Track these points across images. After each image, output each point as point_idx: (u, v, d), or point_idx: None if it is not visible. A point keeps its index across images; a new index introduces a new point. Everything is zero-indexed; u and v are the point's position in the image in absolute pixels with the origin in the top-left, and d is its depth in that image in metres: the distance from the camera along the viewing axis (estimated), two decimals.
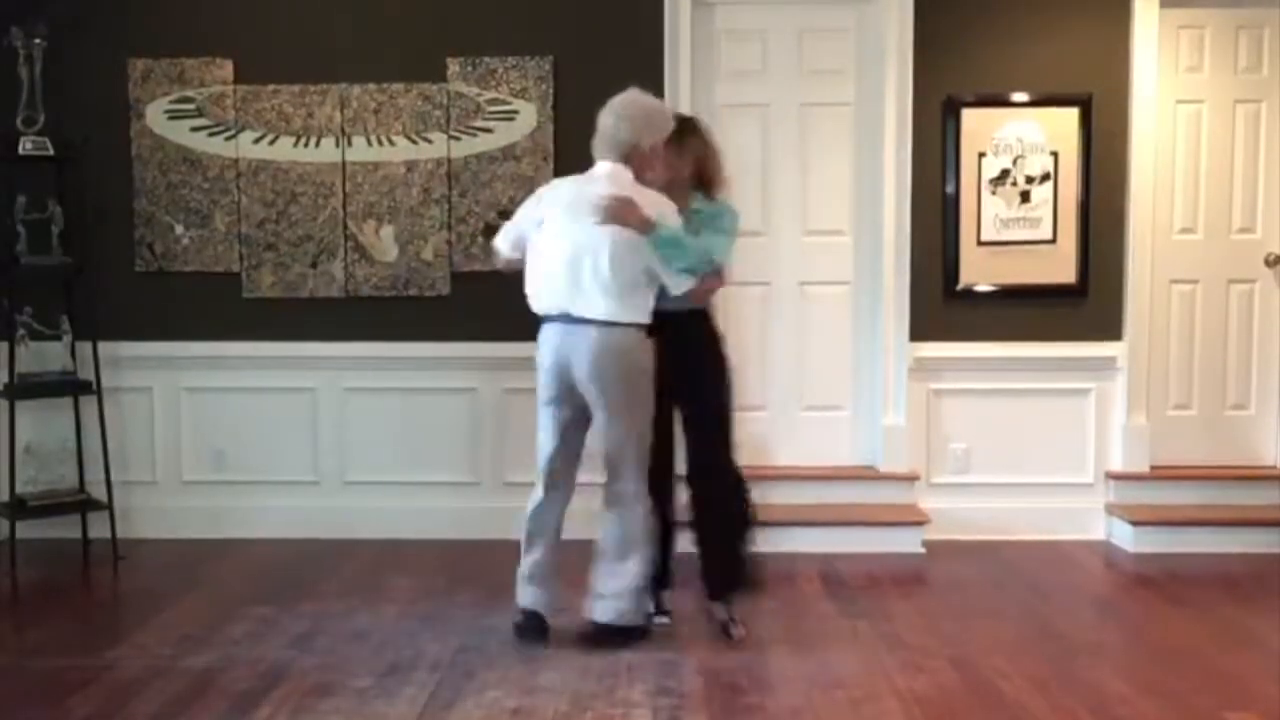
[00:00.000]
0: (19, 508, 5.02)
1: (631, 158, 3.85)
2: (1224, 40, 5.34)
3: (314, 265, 5.34)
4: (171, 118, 5.30)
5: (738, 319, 5.14)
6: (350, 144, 5.30)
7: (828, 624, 4.17)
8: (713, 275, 3.92)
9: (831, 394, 5.45)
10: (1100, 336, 5.36)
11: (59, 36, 5.04)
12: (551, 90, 5.24)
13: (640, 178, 3.85)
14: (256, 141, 5.31)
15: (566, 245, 3.79)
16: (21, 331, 5.03)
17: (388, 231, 5.31)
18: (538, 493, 3.97)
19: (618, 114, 3.90)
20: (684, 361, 3.92)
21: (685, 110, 5.19)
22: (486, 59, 5.26)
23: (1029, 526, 5.30)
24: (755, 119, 5.35)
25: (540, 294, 3.89)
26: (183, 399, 5.41)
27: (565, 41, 5.24)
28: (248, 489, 5.38)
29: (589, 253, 3.75)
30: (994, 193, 5.31)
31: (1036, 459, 5.36)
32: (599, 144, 3.92)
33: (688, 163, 3.97)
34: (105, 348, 5.16)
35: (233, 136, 5.31)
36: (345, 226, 5.33)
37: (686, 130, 4.01)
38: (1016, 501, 5.34)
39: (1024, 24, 5.27)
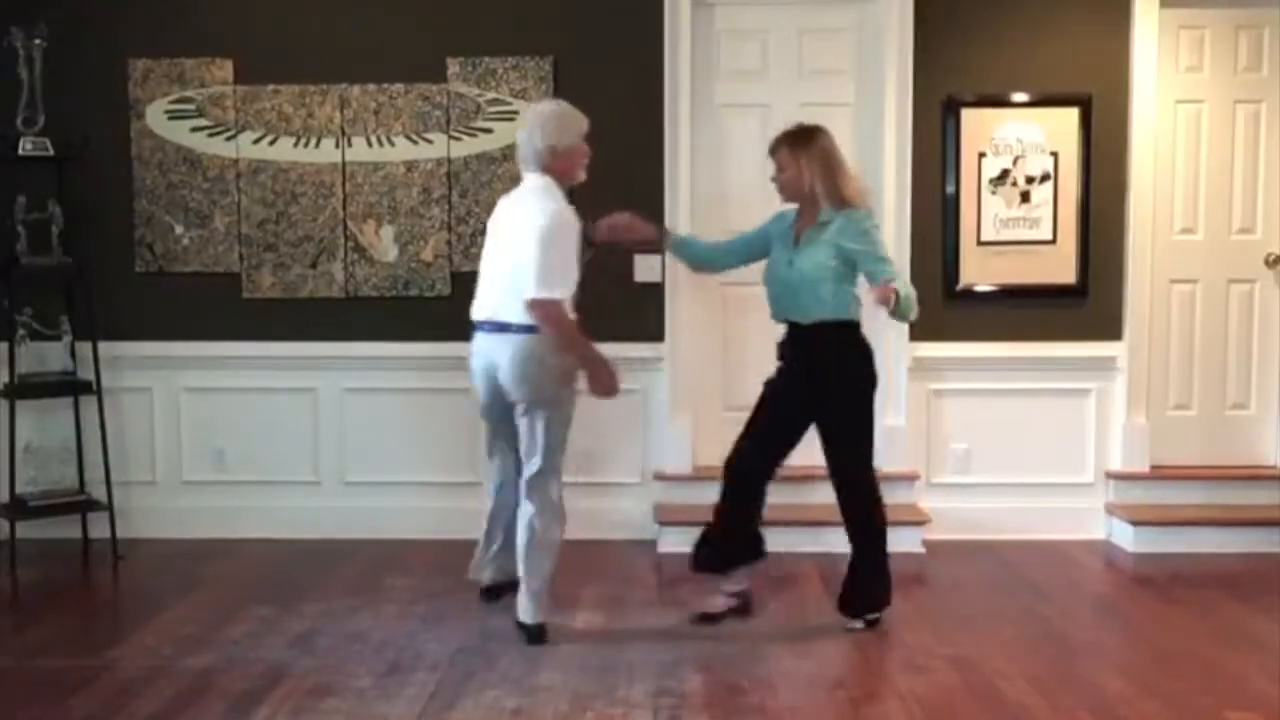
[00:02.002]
0: (19, 508, 5.03)
1: (551, 164, 3.93)
2: (1224, 40, 5.35)
3: (314, 265, 5.34)
4: (171, 118, 5.30)
5: (738, 319, 5.14)
6: (350, 144, 5.30)
7: (828, 624, 4.17)
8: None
9: None
10: (1100, 336, 5.36)
11: (59, 36, 5.05)
12: (551, 90, 5.24)
13: (569, 178, 3.97)
14: (256, 142, 5.31)
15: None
16: (21, 331, 5.03)
17: (388, 231, 5.32)
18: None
19: (529, 124, 3.99)
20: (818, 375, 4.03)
21: (685, 110, 5.23)
22: (486, 59, 5.26)
23: (1029, 526, 5.31)
24: (755, 119, 5.34)
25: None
26: (183, 399, 5.41)
27: (565, 41, 5.25)
28: (248, 489, 5.39)
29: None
30: (994, 193, 5.31)
31: (1036, 459, 5.36)
32: (521, 162, 4.03)
33: (803, 172, 3.97)
34: (105, 348, 5.16)
35: (233, 137, 5.31)
36: (345, 227, 5.33)
37: (800, 140, 4.01)
38: (1016, 501, 5.35)
39: (1024, 24, 5.27)
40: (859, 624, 4.10)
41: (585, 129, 3.99)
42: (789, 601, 4.39)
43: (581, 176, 4.03)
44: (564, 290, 3.80)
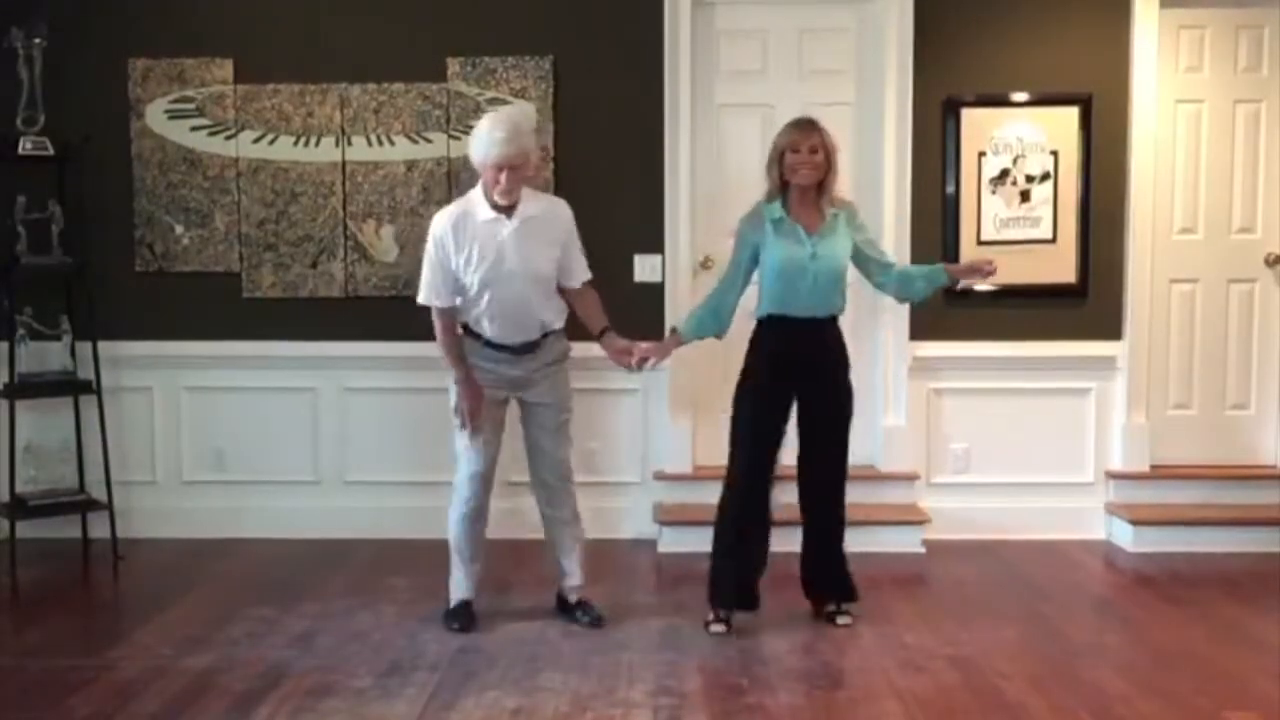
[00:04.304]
0: (19, 508, 5.02)
1: (480, 174, 4.03)
2: (1224, 40, 5.34)
3: (314, 265, 5.34)
4: (171, 118, 5.30)
5: (737, 320, 5.13)
6: (350, 144, 5.30)
7: (828, 624, 4.17)
8: None
9: None
10: (1100, 336, 5.36)
11: (59, 36, 5.04)
12: (551, 90, 5.24)
13: (489, 193, 3.99)
14: (256, 141, 5.31)
15: None
16: (21, 331, 5.03)
17: (388, 231, 5.32)
18: None
19: None
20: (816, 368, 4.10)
21: (685, 110, 5.23)
22: (486, 59, 5.26)
23: (1029, 526, 5.31)
24: (755, 119, 5.34)
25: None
26: (183, 399, 5.41)
27: (565, 41, 5.25)
28: (248, 489, 5.39)
29: None
30: (994, 192, 5.31)
31: (1036, 459, 5.36)
32: None
33: (831, 159, 4.02)
34: (105, 348, 5.16)
35: (233, 136, 5.31)
36: (345, 226, 5.33)
37: (822, 128, 4.03)
38: (1016, 501, 5.35)
39: (1024, 24, 5.27)
40: (849, 618, 4.18)
41: (493, 157, 3.88)
42: (789, 601, 4.38)
43: (497, 198, 3.96)
44: (425, 295, 4.08)
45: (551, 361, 4.12)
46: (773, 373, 4.06)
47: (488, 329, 4.05)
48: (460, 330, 4.09)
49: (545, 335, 4.09)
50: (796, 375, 4.06)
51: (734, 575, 4.11)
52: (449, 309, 4.04)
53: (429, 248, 4.05)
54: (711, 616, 4.13)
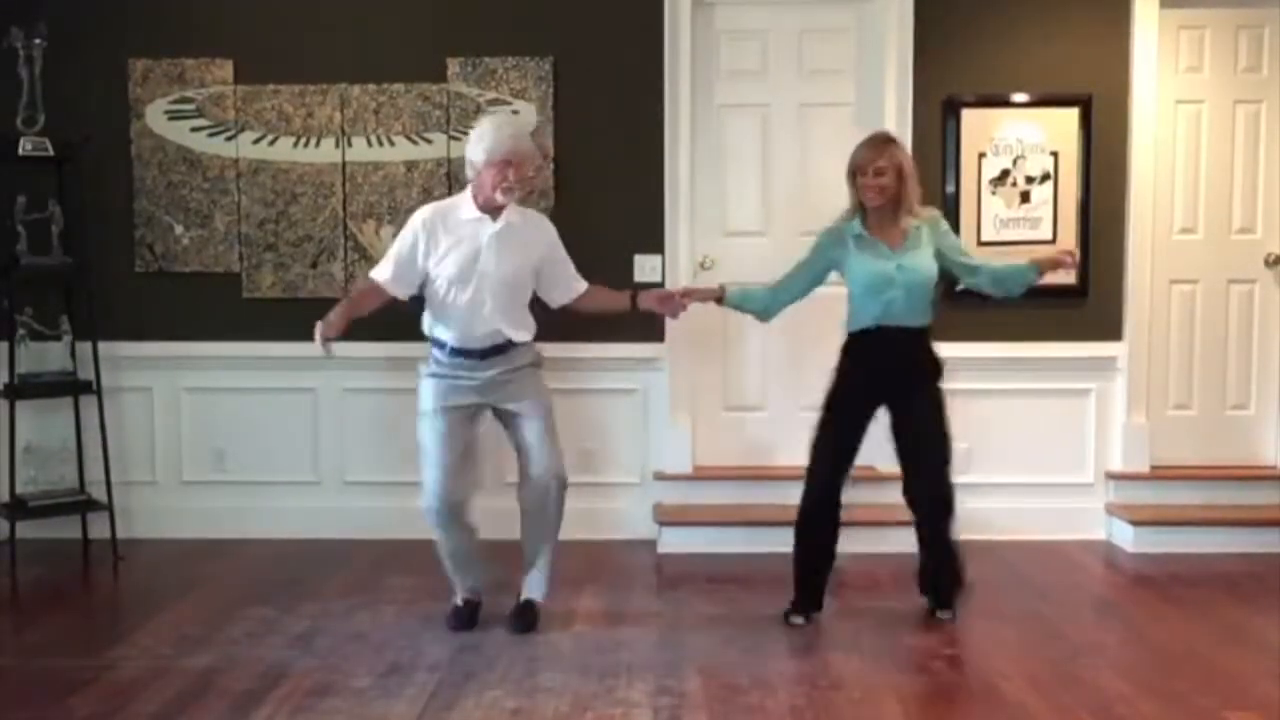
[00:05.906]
0: (19, 508, 5.03)
1: (471, 176, 4.01)
2: (1224, 40, 5.35)
3: (314, 265, 5.34)
4: (171, 118, 5.30)
5: (738, 319, 5.13)
6: (350, 144, 5.30)
7: (828, 624, 4.17)
8: None
9: None
10: (1100, 336, 5.36)
11: (59, 36, 5.05)
12: (551, 90, 5.24)
13: (485, 196, 3.96)
14: (256, 141, 5.31)
15: None
16: (21, 331, 5.03)
17: (388, 232, 5.31)
18: None
19: None
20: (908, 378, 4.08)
21: (685, 110, 5.23)
22: (486, 59, 5.26)
23: (1029, 526, 5.31)
24: (755, 119, 5.36)
25: None
26: (183, 399, 5.41)
27: (565, 41, 5.25)
28: (248, 489, 5.39)
29: None
30: (994, 193, 5.31)
31: (1036, 459, 5.36)
32: None
33: (903, 177, 4.02)
34: (105, 348, 5.16)
35: (233, 136, 5.31)
36: (345, 226, 5.33)
37: (894, 144, 4.07)
38: (1016, 501, 5.34)
39: (1024, 24, 5.27)
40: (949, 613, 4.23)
41: (502, 150, 3.88)
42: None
43: (498, 198, 3.92)
44: (381, 272, 4.09)
45: (520, 366, 4.07)
46: (864, 382, 4.07)
47: (450, 331, 4.03)
48: (429, 328, 4.13)
49: (510, 343, 4.04)
50: (889, 385, 4.06)
51: (804, 577, 4.18)
52: (383, 290, 4.08)
53: (403, 233, 4.06)
54: (789, 608, 4.19)
